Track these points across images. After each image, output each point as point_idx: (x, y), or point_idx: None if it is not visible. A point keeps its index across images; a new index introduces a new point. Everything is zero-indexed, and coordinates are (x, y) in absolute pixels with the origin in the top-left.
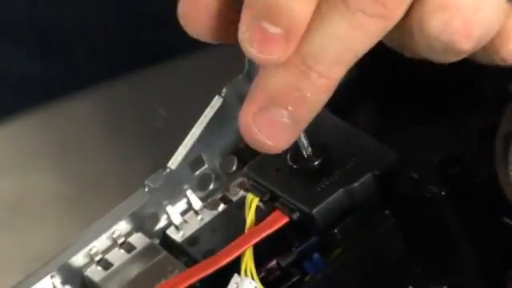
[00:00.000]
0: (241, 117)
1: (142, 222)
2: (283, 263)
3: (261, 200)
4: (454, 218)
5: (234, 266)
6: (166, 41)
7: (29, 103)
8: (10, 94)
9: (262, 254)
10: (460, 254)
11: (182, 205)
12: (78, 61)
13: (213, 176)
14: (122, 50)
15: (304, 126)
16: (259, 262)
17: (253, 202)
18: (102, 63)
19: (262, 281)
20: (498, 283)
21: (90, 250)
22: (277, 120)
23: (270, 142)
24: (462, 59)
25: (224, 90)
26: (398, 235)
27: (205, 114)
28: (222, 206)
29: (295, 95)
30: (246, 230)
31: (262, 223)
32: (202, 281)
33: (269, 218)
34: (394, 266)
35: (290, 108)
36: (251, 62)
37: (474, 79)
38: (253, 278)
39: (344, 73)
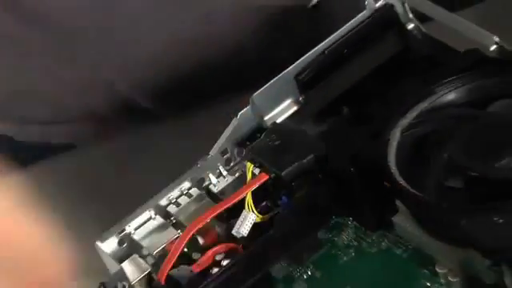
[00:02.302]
0: None
1: (196, 182)
2: (268, 203)
3: (255, 166)
4: (358, 183)
5: (242, 206)
6: None
7: None
8: None
9: (258, 198)
10: (359, 201)
11: (217, 173)
12: None
13: (232, 158)
14: None
15: None
16: (256, 203)
17: (250, 167)
18: None
19: (258, 212)
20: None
21: (169, 196)
22: None
23: None
24: None
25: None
26: (326, 190)
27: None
28: (237, 174)
29: None
30: (246, 183)
31: (254, 179)
32: (226, 213)
33: (258, 176)
34: (324, 207)
35: None
36: None
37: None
38: (253, 211)
39: None
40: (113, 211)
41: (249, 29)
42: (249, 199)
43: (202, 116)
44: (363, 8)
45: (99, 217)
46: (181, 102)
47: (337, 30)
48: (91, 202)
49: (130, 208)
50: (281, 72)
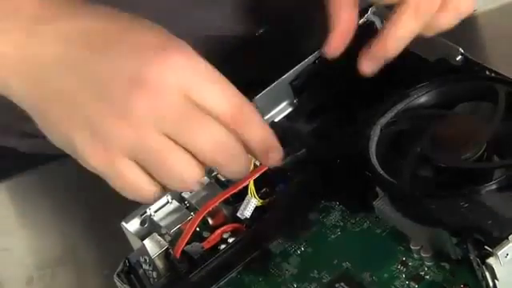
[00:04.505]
0: None
1: (206, 172)
2: (268, 189)
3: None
4: (343, 172)
5: (246, 192)
6: None
7: None
8: None
9: (259, 186)
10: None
11: None
12: None
13: None
14: None
15: None
16: (257, 190)
17: (252, 159)
18: None
19: (259, 197)
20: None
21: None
22: None
23: None
24: None
25: None
26: (316, 179)
27: None
28: None
29: None
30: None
31: (256, 169)
32: (232, 197)
33: (259, 167)
34: (314, 193)
35: None
36: None
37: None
38: (255, 197)
39: None
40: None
41: None
42: (251, 186)
43: None
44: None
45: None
46: None
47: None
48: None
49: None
50: None
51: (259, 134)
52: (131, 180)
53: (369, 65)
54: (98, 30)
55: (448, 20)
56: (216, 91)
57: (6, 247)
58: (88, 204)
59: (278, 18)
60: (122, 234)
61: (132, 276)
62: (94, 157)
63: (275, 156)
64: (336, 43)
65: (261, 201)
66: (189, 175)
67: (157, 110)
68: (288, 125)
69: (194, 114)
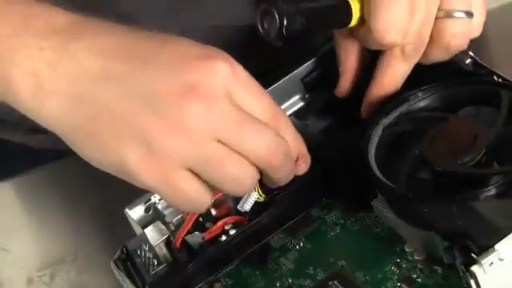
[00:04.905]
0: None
1: None
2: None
3: None
4: (345, 172)
5: None
6: None
7: None
8: None
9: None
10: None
11: None
12: None
13: None
14: None
15: None
16: (261, 185)
17: None
18: None
19: (262, 192)
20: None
21: None
22: None
23: None
24: None
25: None
26: (318, 178)
27: None
28: None
29: None
30: None
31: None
32: None
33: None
34: (315, 192)
35: None
36: None
37: None
38: (258, 192)
39: None
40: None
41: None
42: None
43: None
44: None
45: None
46: None
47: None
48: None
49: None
50: None
51: (293, 141)
52: (186, 191)
53: (369, 110)
54: (134, 44)
55: (438, 56)
56: (256, 98)
57: (6, 247)
58: (91, 204)
59: None
60: (125, 237)
61: (129, 264)
62: (148, 173)
63: (305, 165)
64: (345, 87)
65: (264, 196)
66: (247, 178)
67: (210, 117)
68: (295, 123)
69: (246, 120)
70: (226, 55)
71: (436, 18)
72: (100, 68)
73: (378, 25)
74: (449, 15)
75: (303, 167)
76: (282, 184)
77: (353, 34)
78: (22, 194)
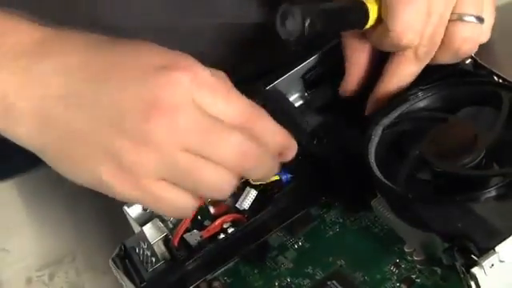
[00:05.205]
0: None
1: None
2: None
3: None
4: (344, 171)
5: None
6: None
7: None
8: None
9: None
10: (345, 186)
11: None
12: None
13: None
14: None
15: None
16: None
17: None
18: None
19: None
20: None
21: None
22: None
23: None
24: None
25: None
26: (316, 177)
27: None
28: None
29: None
30: None
31: None
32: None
33: None
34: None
35: None
36: None
37: None
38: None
39: None
40: None
41: (210, 44)
42: None
43: None
44: None
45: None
46: None
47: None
48: None
49: None
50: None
51: (272, 136)
52: (167, 200)
53: (374, 108)
54: (96, 60)
55: (446, 59)
56: (224, 101)
57: (5, 247)
58: (90, 205)
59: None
60: (124, 237)
61: (127, 261)
62: (124, 187)
63: (290, 152)
64: (351, 86)
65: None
66: (223, 185)
67: (175, 130)
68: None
69: (211, 127)
70: (188, 61)
71: (448, 21)
72: (65, 89)
73: (397, 26)
74: (461, 19)
75: (288, 155)
76: (268, 180)
77: (360, 34)
78: (21, 194)
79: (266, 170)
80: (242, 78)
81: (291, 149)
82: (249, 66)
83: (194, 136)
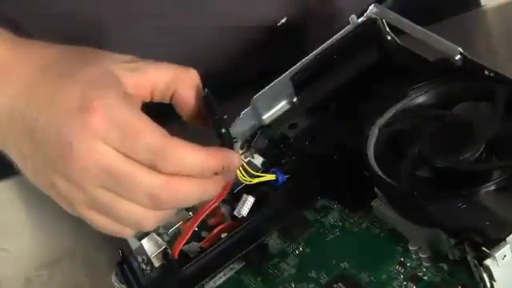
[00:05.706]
0: None
1: None
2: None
3: None
4: (341, 170)
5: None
6: None
7: None
8: None
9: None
10: (343, 187)
11: None
12: None
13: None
14: None
15: None
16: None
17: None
18: None
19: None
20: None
21: None
22: None
23: None
24: None
25: None
26: (313, 176)
27: None
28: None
29: None
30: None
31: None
32: (230, 196)
33: None
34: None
35: None
36: None
37: None
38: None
39: None
40: None
41: (219, 47)
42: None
43: None
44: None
45: None
46: None
47: (312, 44)
48: None
49: None
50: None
51: (197, 163)
52: (102, 226)
53: None
54: (37, 89)
55: None
56: (135, 139)
57: (4, 247)
58: None
59: (299, 9)
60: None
61: (125, 266)
62: (68, 209)
63: (233, 164)
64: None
65: (249, 179)
66: (142, 220)
67: (88, 172)
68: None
69: (121, 168)
70: (104, 99)
71: None
72: (9, 118)
73: None
74: None
75: (232, 167)
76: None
77: None
78: (20, 193)
79: (195, 196)
80: (242, 81)
81: (218, 166)
82: (248, 69)
83: (107, 177)
